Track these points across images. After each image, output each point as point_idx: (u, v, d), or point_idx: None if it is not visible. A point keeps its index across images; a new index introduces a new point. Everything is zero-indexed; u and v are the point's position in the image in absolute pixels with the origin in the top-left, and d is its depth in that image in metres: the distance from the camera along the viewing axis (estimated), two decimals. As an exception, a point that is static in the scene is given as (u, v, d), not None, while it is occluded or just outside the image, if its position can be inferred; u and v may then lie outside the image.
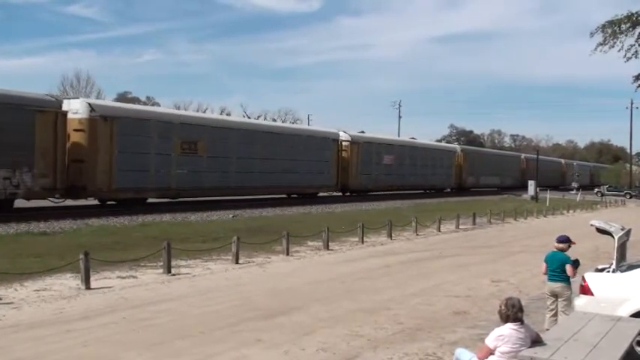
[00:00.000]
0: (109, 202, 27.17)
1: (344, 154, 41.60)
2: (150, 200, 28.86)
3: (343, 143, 41.92)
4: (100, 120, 25.22)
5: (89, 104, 25.71)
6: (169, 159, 28.52)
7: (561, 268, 8.57)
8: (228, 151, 31.76)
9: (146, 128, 27.45)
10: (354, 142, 42.74)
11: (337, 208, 33.71)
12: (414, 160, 50.69)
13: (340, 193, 42.66)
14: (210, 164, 30.69)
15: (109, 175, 25.54)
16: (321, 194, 40.64)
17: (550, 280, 8.65)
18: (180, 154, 29.06)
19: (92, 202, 27.01)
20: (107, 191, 25.88)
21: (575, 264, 8.62)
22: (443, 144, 64.15)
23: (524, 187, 69.04)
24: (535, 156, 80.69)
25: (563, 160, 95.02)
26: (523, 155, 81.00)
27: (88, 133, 24.74)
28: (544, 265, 8.79)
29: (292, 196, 38.12)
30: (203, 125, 31.32)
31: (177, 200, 31.19)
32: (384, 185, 46.26)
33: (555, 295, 8.57)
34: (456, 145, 64.46)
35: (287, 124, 58.96)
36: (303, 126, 51.10)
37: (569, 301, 8.50)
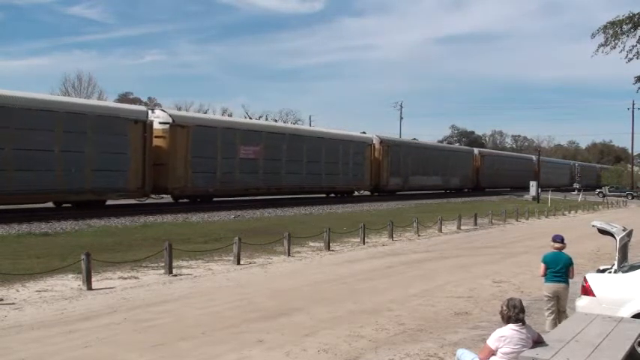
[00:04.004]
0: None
1: (159, 142, 28.67)
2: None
3: (157, 127, 28.58)
4: None
5: None
6: None
7: (566, 269, 8.53)
8: None
9: None
10: (177, 125, 29.10)
11: (338, 209, 33.71)
12: (299, 154, 37.17)
13: (147, 198, 29.17)
14: None
15: None
16: (111, 202, 27.78)
17: (553, 281, 8.53)
18: None
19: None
20: None
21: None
22: (351, 133, 46.25)
23: (479, 190, 61.07)
24: (489, 150, 71.63)
25: (534, 157, 79.01)
26: (477, 150, 67.71)
27: None
28: (543, 266, 8.63)
29: (65, 205, 25.98)
30: None
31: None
32: (240, 188, 33.45)
33: (557, 297, 8.52)
34: (371, 135, 47.44)
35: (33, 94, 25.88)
36: (69, 98, 27.37)
37: (566, 301, 8.52)
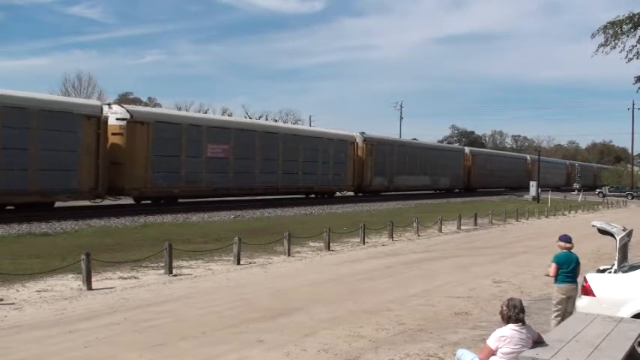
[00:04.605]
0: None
1: (117, 140, 26.83)
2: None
3: (114, 123, 26.75)
4: None
5: None
6: None
7: (576, 269, 8.49)
8: None
9: None
10: (136, 121, 27.24)
11: (338, 209, 33.72)
12: (273, 153, 35.16)
13: (102, 199, 26.61)
14: None
15: None
16: (59, 204, 25.41)
17: (565, 281, 8.37)
18: None
19: (94, 202, 26.75)
20: None
21: None
22: (332, 131, 44.19)
23: (470, 190, 59.46)
24: (481, 149, 69.72)
25: (528, 156, 79.48)
26: (468, 149, 65.37)
27: None
28: (555, 266, 8.39)
29: (8, 207, 23.56)
30: None
31: (140, 202, 29.45)
32: (207, 188, 31.40)
33: (567, 297, 8.42)
34: (354, 133, 44.82)
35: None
36: (8, 90, 24.01)
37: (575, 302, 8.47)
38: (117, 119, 26.89)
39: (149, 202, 29.33)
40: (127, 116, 27.12)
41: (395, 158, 47.80)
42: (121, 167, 26.61)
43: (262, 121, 43.87)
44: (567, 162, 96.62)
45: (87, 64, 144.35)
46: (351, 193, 44.90)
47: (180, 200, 30.43)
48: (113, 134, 26.71)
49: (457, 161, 59.18)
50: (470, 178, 61.08)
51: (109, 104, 28.51)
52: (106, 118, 26.26)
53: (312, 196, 40.48)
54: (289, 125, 46.16)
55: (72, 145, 24.06)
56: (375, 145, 45.64)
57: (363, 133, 45.73)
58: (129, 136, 26.97)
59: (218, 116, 45.06)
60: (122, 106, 28.64)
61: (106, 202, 27.23)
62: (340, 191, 43.50)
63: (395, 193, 47.88)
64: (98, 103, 27.14)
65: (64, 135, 23.69)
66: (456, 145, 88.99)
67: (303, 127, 44.71)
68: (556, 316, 8.40)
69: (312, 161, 38.57)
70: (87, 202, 26.76)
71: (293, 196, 38.28)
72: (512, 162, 74.13)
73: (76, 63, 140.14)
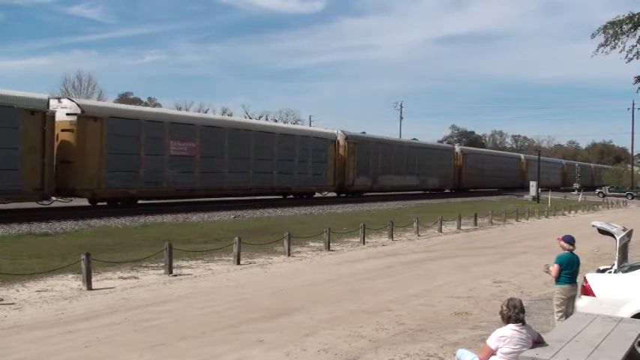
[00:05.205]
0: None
1: (67, 136, 25.00)
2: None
3: (64, 119, 24.82)
4: None
5: None
6: None
7: (577, 269, 8.48)
8: None
9: None
10: (88, 116, 25.32)
11: (338, 209, 33.73)
12: (244, 151, 33.05)
13: (51, 201, 24.55)
14: None
15: None
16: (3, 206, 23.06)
17: (569, 282, 8.35)
18: None
19: (41, 204, 24.18)
20: None
21: None
22: (311, 128, 43.10)
23: (461, 191, 57.97)
24: (472, 148, 68.17)
25: (522, 156, 78.75)
26: (458, 148, 62.98)
27: None
28: (558, 267, 8.34)
29: None
30: None
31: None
32: (170, 189, 29.17)
33: (569, 298, 8.38)
34: (335, 131, 42.44)
35: None
36: None
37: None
38: (67, 114, 24.90)
39: (105, 203, 27.39)
40: (78, 111, 25.11)
41: (379, 157, 45.80)
42: (71, 166, 24.66)
43: (232, 118, 42.63)
44: (564, 162, 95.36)
45: (87, 64, 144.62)
46: (333, 194, 43.09)
47: (140, 202, 28.55)
48: (63, 130, 24.79)
49: (447, 160, 57.09)
50: (461, 177, 59.08)
51: (58, 98, 26.69)
52: (54, 112, 24.05)
53: (290, 196, 38.60)
54: (262, 122, 44.88)
55: (13, 142, 21.88)
56: (357, 143, 43.74)
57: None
58: (80, 133, 24.94)
59: (182, 112, 43.15)
60: (72, 100, 26.89)
61: (57, 203, 25.42)
62: (320, 192, 41.52)
63: (394, 193, 47.07)
64: (44, 96, 24.69)
65: (4, 131, 21.58)
66: (456, 144, 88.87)
67: (278, 124, 43.20)
68: (559, 317, 8.37)
69: (288, 160, 36.37)
70: (34, 204, 24.84)
71: (269, 197, 36.53)
72: (506, 161, 72.06)
73: (76, 63, 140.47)
